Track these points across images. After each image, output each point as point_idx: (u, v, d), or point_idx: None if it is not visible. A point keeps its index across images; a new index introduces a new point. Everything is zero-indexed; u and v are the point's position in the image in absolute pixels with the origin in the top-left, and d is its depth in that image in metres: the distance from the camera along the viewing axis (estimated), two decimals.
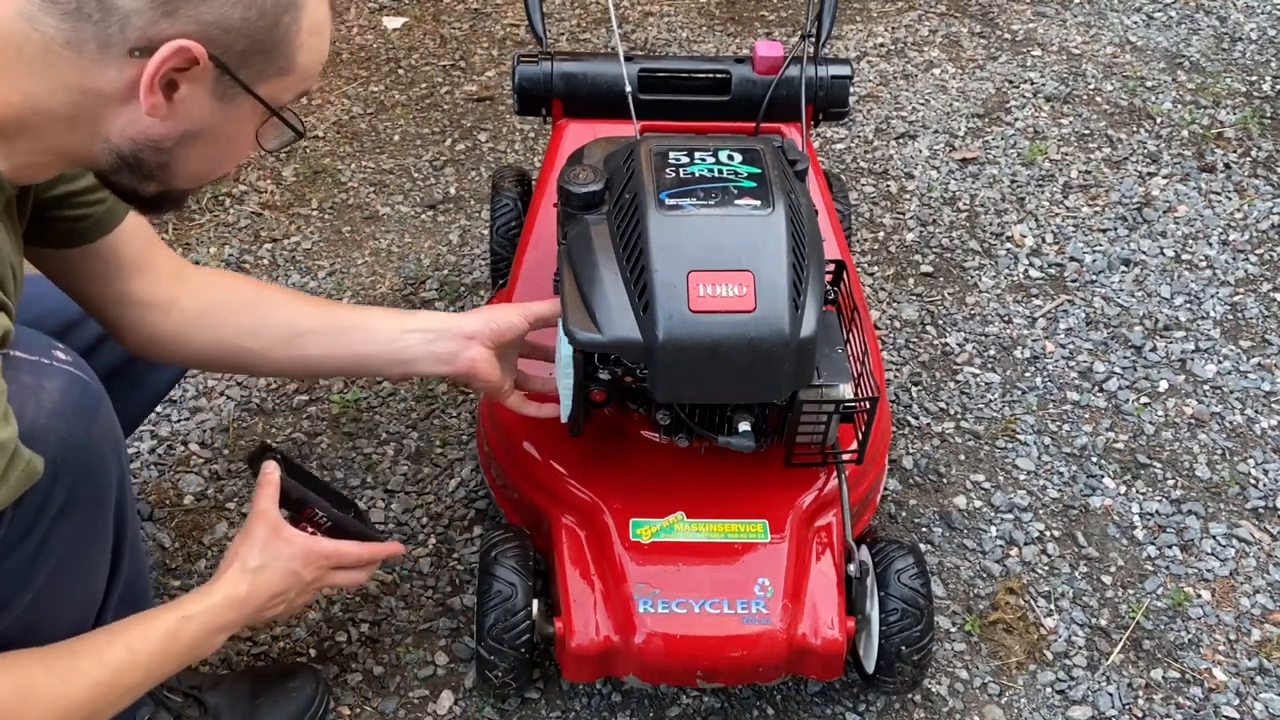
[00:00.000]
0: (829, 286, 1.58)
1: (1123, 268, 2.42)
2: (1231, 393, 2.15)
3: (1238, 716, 1.66)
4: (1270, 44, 3.13)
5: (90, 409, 1.14)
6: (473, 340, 1.47)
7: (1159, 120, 2.85)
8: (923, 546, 1.84)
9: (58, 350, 1.13)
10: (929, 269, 2.42)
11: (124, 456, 1.23)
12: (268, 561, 1.33)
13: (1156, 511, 1.94)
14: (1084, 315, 2.31)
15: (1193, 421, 2.09)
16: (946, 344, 2.25)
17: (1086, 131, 2.82)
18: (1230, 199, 2.61)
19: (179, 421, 2.03)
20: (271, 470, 1.40)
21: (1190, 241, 2.49)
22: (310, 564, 1.37)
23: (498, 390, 1.53)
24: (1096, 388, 2.16)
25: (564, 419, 1.52)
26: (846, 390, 1.50)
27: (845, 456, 1.56)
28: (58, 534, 1.13)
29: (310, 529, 1.44)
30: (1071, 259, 2.44)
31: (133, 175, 1.11)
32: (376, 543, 1.50)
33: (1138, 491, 1.97)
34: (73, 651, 1.14)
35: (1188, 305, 2.34)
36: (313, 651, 1.69)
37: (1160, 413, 2.11)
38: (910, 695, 1.66)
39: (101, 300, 1.36)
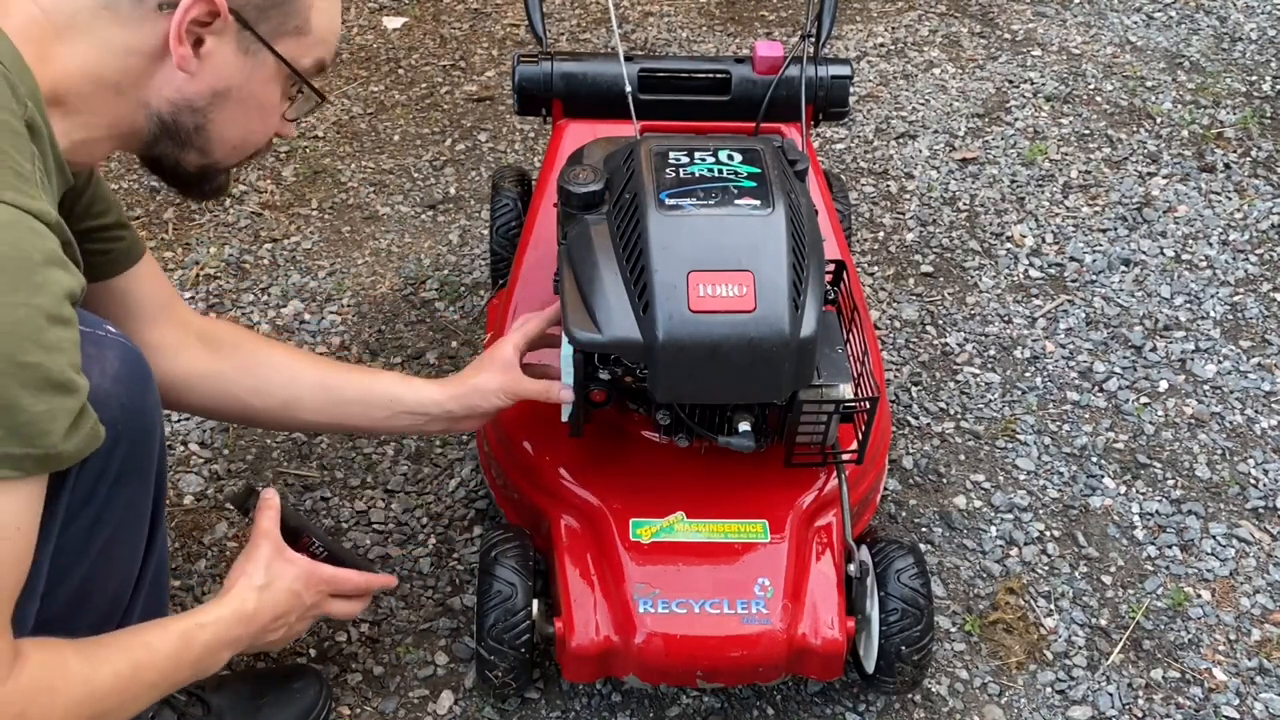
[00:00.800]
0: (829, 286, 1.59)
1: (1123, 268, 2.42)
2: (1231, 393, 2.15)
3: (1238, 716, 1.66)
4: (1270, 44, 3.13)
5: (144, 378, 1.19)
6: (461, 420, 1.55)
7: (1159, 120, 2.85)
8: (923, 546, 1.84)
9: (108, 324, 1.18)
10: (929, 269, 2.42)
11: (164, 432, 1.28)
12: (272, 580, 1.35)
13: (1156, 511, 1.94)
14: (1084, 315, 2.31)
15: (1193, 421, 2.09)
16: (946, 344, 2.25)
17: (1086, 131, 2.82)
18: (1230, 199, 2.61)
19: (179, 421, 2.03)
20: (272, 495, 1.44)
21: (1190, 241, 2.49)
22: (311, 586, 1.39)
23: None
24: (1096, 388, 2.16)
25: (564, 419, 1.52)
26: (846, 390, 1.50)
27: (845, 456, 1.56)
28: (114, 503, 1.17)
29: (307, 557, 1.45)
30: (1071, 259, 2.44)
31: (173, 143, 1.19)
32: (371, 573, 1.52)
33: (1138, 491, 1.97)
34: (99, 643, 1.17)
35: (1188, 305, 2.34)
36: (313, 651, 1.69)
37: (1160, 413, 2.11)
38: (910, 695, 1.66)
39: None
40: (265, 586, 1.34)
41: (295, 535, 1.46)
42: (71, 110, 1.12)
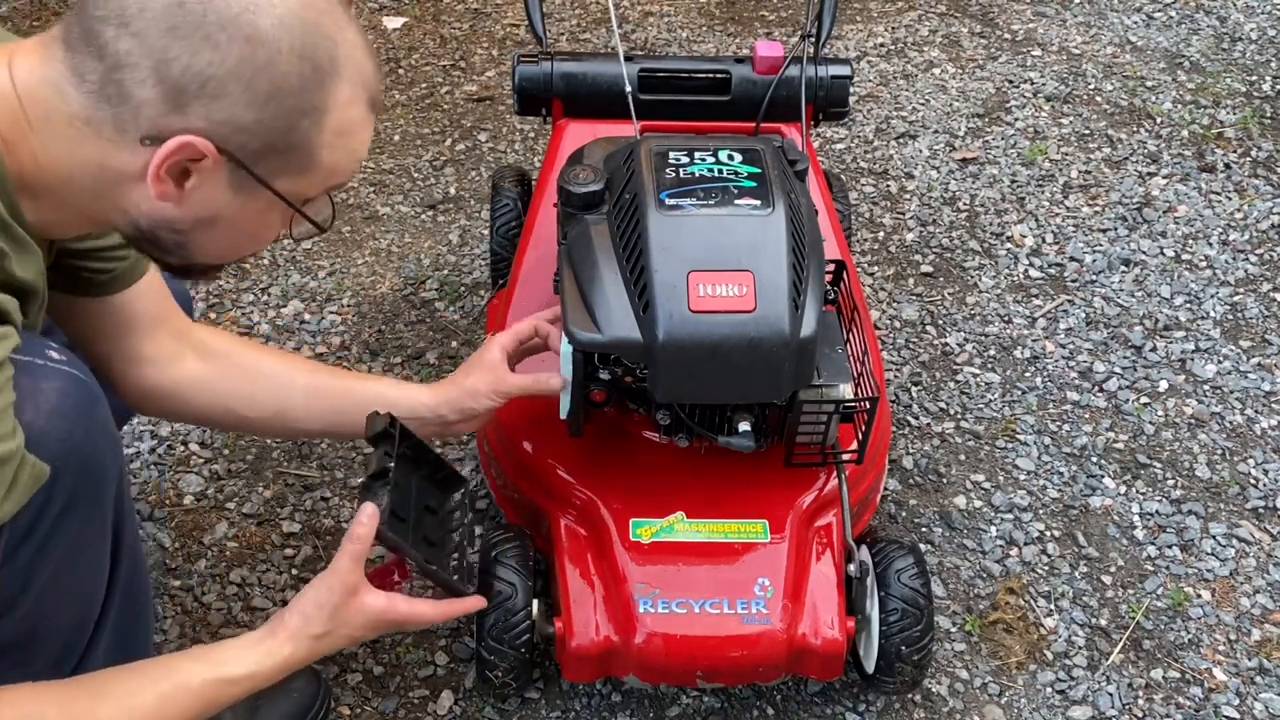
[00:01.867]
0: (829, 286, 1.58)
1: (1123, 268, 2.42)
2: (1231, 393, 2.15)
3: (1238, 716, 1.66)
4: (1270, 44, 3.13)
5: (88, 407, 1.13)
6: (455, 424, 1.53)
7: (1159, 120, 2.85)
8: (923, 546, 1.84)
9: (51, 350, 1.13)
10: (929, 269, 2.42)
11: (121, 454, 1.23)
12: (334, 629, 1.27)
13: (1156, 511, 1.94)
14: (1084, 315, 2.31)
15: (1193, 421, 2.09)
16: (946, 344, 2.25)
17: (1086, 131, 2.82)
18: (1230, 199, 2.61)
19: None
20: (367, 521, 1.29)
21: (1190, 241, 2.49)
22: (374, 630, 1.32)
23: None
24: (1096, 388, 2.16)
25: (563, 417, 1.52)
26: (846, 390, 1.50)
27: (845, 456, 1.56)
28: (59, 534, 1.13)
29: (396, 578, 1.37)
30: (1071, 259, 2.44)
31: (153, 247, 1.13)
32: (456, 598, 1.41)
33: (1138, 491, 1.97)
34: (96, 693, 1.11)
35: (1188, 305, 2.34)
36: None
37: (1160, 413, 2.11)
38: (910, 695, 1.66)
39: (108, 354, 1.38)
40: (323, 635, 1.26)
41: (393, 547, 1.34)
42: (39, 197, 1.05)
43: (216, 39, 0.99)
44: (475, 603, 1.42)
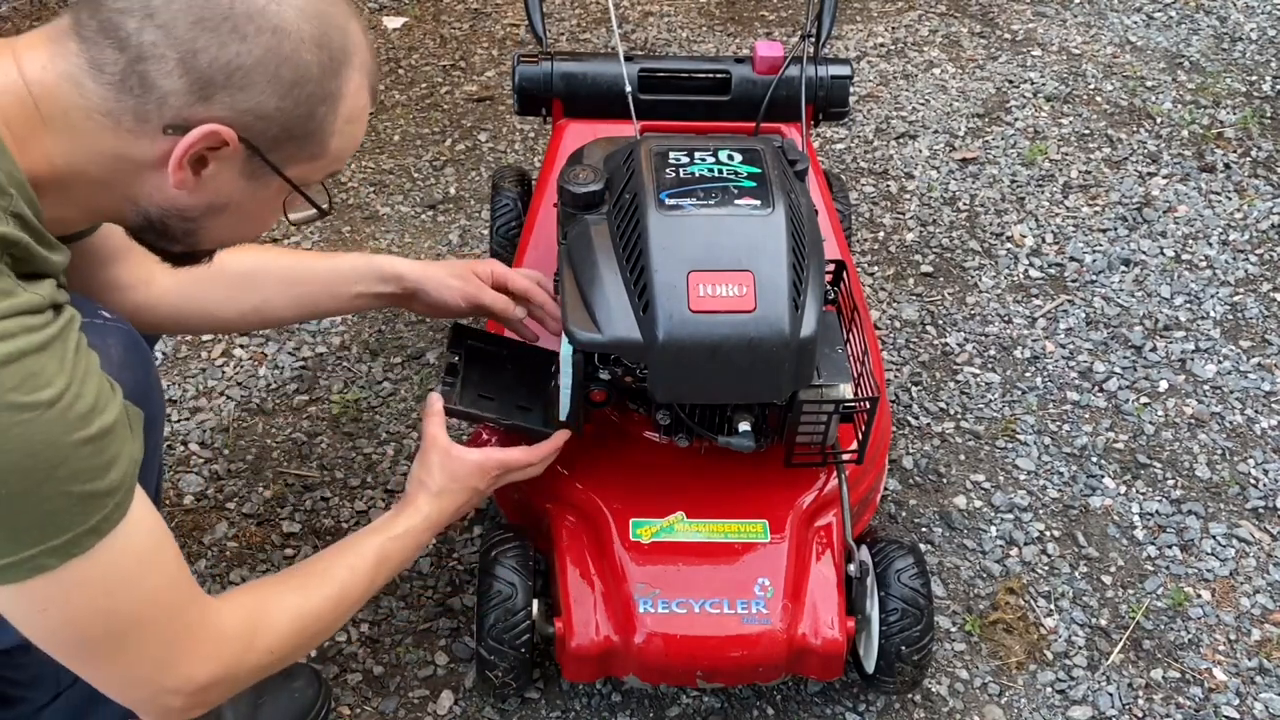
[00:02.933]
0: (829, 286, 1.58)
1: (1123, 268, 2.42)
2: (1231, 393, 2.15)
3: (1238, 716, 1.66)
4: (1270, 44, 3.13)
5: (145, 360, 1.20)
6: (416, 302, 1.62)
7: (1159, 120, 2.85)
8: (923, 546, 1.84)
9: (101, 310, 1.18)
10: (929, 269, 2.42)
11: (165, 409, 1.32)
12: (446, 484, 1.43)
13: (1156, 511, 1.94)
14: (1084, 315, 2.31)
15: (1193, 421, 2.09)
16: (946, 344, 2.25)
17: (1086, 131, 2.82)
18: (1230, 199, 2.61)
19: (179, 421, 2.03)
20: (434, 400, 1.50)
21: (1190, 241, 2.49)
22: (484, 477, 1.46)
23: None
24: (1096, 388, 2.16)
25: (561, 417, 1.52)
26: (846, 390, 1.50)
27: (845, 456, 1.56)
28: None
29: (485, 437, 1.59)
30: (1071, 259, 2.44)
31: (158, 237, 1.15)
32: (544, 440, 1.54)
33: (1138, 491, 1.97)
34: (305, 572, 1.29)
35: (1188, 305, 2.34)
36: (313, 651, 1.69)
37: (1160, 413, 2.11)
38: (910, 695, 1.66)
39: (85, 287, 1.39)
40: (442, 491, 1.42)
41: (472, 420, 1.57)
42: (50, 195, 1.06)
43: (244, 30, 1.01)
44: (560, 437, 1.54)
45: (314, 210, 1.18)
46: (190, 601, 1.12)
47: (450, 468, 1.43)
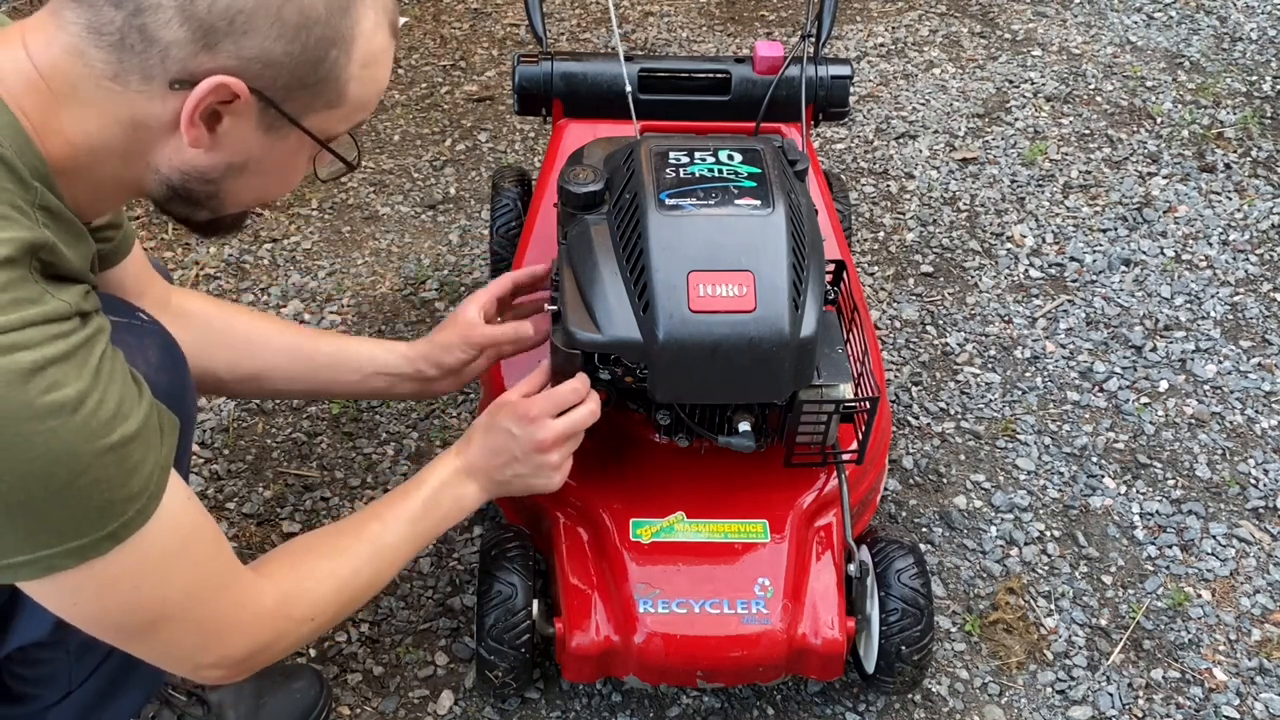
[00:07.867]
0: (829, 286, 1.58)
1: (1123, 268, 2.42)
2: (1231, 393, 2.15)
3: (1238, 716, 1.66)
4: (1270, 44, 3.13)
5: (180, 363, 1.19)
6: (434, 381, 1.58)
7: (1159, 120, 2.85)
8: (923, 546, 1.84)
9: (139, 311, 1.17)
10: (929, 269, 2.42)
11: (196, 412, 1.30)
12: (474, 431, 1.44)
13: (1156, 511, 1.94)
14: (1084, 315, 2.31)
15: (1193, 421, 2.09)
16: (946, 344, 2.25)
17: (1086, 131, 2.82)
18: (1230, 199, 2.61)
19: None
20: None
21: (1190, 241, 2.49)
22: (518, 419, 1.41)
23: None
24: (1096, 388, 2.16)
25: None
26: (846, 390, 1.50)
27: (845, 456, 1.56)
28: None
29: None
30: (1071, 259, 2.44)
31: (184, 204, 1.13)
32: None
33: (1138, 491, 1.97)
34: (338, 531, 1.31)
35: (1188, 305, 2.34)
36: (313, 652, 1.69)
37: (1160, 413, 2.11)
38: (910, 695, 1.66)
39: None
40: (470, 435, 1.43)
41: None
42: (73, 177, 1.05)
43: None
44: (580, 381, 1.48)
45: (342, 164, 1.15)
46: (225, 588, 1.13)
47: (488, 417, 1.43)
